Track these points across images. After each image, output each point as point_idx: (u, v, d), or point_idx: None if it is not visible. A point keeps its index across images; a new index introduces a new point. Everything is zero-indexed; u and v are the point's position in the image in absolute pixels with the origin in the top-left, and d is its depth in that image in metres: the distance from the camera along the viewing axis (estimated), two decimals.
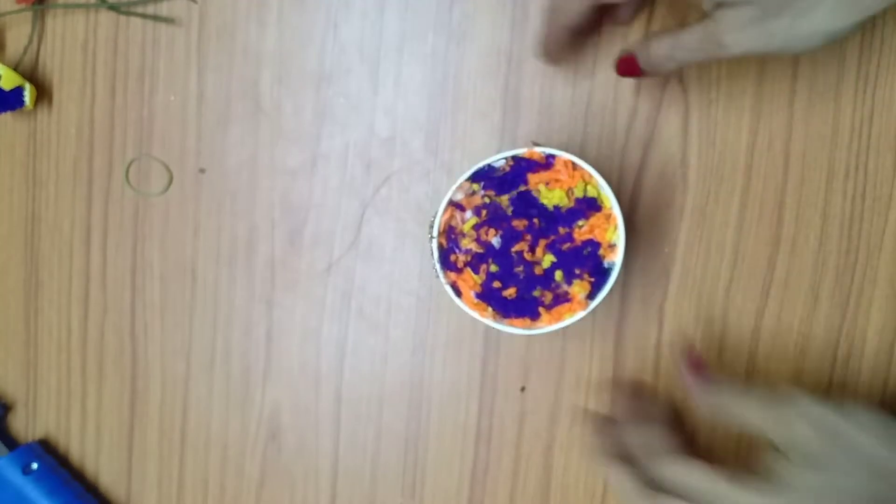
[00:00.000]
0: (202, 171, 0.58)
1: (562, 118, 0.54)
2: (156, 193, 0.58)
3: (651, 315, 0.55)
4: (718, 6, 0.41)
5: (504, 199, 0.46)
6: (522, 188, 0.46)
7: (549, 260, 0.46)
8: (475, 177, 0.46)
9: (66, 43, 0.58)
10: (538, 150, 0.46)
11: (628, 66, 0.47)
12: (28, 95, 0.56)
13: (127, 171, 0.58)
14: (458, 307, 0.47)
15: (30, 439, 0.61)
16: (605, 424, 0.51)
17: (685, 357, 0.50)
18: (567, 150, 0.46)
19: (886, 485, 0.41)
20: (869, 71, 0.52)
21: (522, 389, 0.56)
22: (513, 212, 0.46)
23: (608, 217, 0.46)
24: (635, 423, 0.50)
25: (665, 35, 0.44)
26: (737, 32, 0.41)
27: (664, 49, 0.44)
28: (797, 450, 0.41)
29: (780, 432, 0.42)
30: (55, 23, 0.58)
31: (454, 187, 0.46)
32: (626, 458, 0.47)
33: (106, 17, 0.57)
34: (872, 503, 0.41)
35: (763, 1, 0.39)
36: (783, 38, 0.40)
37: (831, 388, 0.55)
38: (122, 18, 0.57)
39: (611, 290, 0.46)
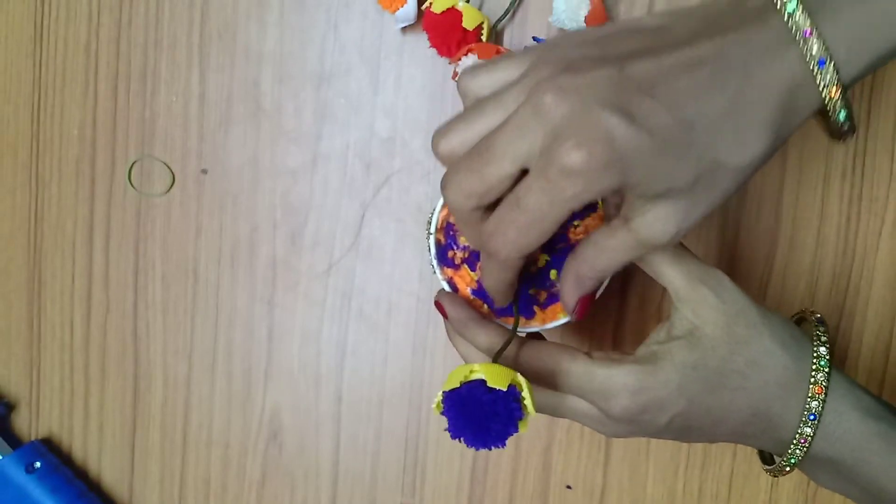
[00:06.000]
0: (204, 171, 0.58)
1: None
2: (158, 194, 0.59)
3: (650, 315, 0.56)
4: (636, 208, 0.35)
5: None
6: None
7: (543, 259, 0.46)
8: None
9: (69, 45, 0.58)
10: None
11: (585, 306, 0.41)
12: None
13: (129, 172, 0.59)
14: None
15: (33, 438, 0.62)
16: (454, 304, 0.44)
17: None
18: None
19: (767, 393, 0.39)
20: None
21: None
22: None
23: (600, 218, 0.46)
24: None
25: (585, 257, 0.39)
26: (670, 227, 0.35)
27: (591, 269, 0.38)
28: (691, 323, 0.39)
29: (690, 300, 0.39)
30: (58, 24, 0.58)
31: None
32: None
33: (108, 18, 0.58)
34: (748, 409, 0.39)
35: (688, 190, 0.34)
36: (723, 198, 0.36)
37: None
38: (125, 19, 0.57)
39: (610, 290, 0.46)
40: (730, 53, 0.33)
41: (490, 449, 0.36)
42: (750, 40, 0.34)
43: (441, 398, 0.36)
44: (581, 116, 0.32)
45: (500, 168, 0.34)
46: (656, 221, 0.35)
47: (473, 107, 0.36)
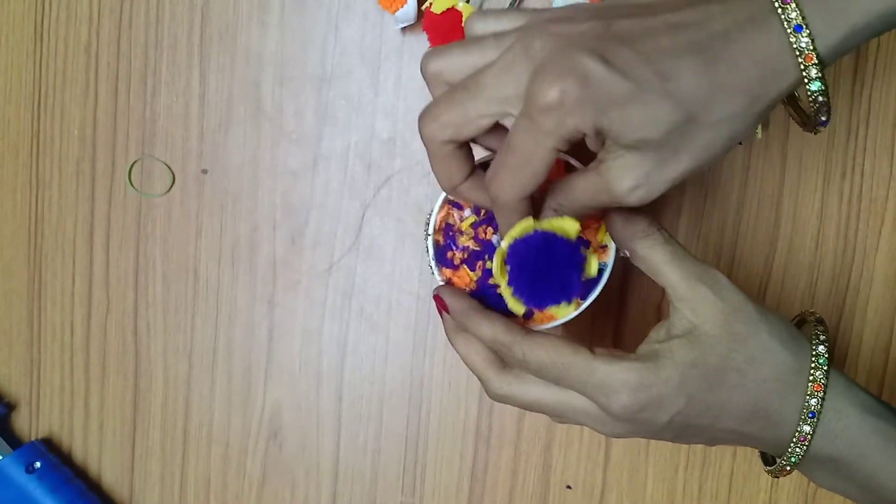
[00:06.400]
0: (204, 171, 0.58)
1: None
2: (158, 194, 0.59)
3: (650, 315, 0.56)
4: (610, 153, 0.36)
5: None
6: None
7: None
8: None
9: (70, 45, 0.58)
10: None
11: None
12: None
13: (130, 172, 0.59)
14: None
15: (33, 438, 0.62)
16: (455, 296, 0.44)
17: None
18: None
19: (766, 390, 0.39)
20: (865, 72, 0.53)
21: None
22: None
23: (599, 219, 0.46)
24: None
25: (553, 190, 0.39)
26: (636, 177, 0.36)
27: (554, 201, 0.39)
28: (690, 322, 0.39)
29: (688, 298, 0.40)
30: (58, 25, 0.58)
31: None
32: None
33: (109, 19, 0.58)
34: (748, 406, 0.40)
35: (660, 145, 0.35)
36: (690, 168, 0.36)
37: None
38: (125, 20, 0.58)
39: (610, 290, 0.46)
40: (712, 21, 0.35)
41: (570, 300, 0.38)
42: (733, 10, 0.35)
43: (504, 253, 0.38)
44: (561, 57, 0.34)
45: (483, 104, 0.36)
46: (624, 167, 0.36)
47: (474, 39, 0.38)
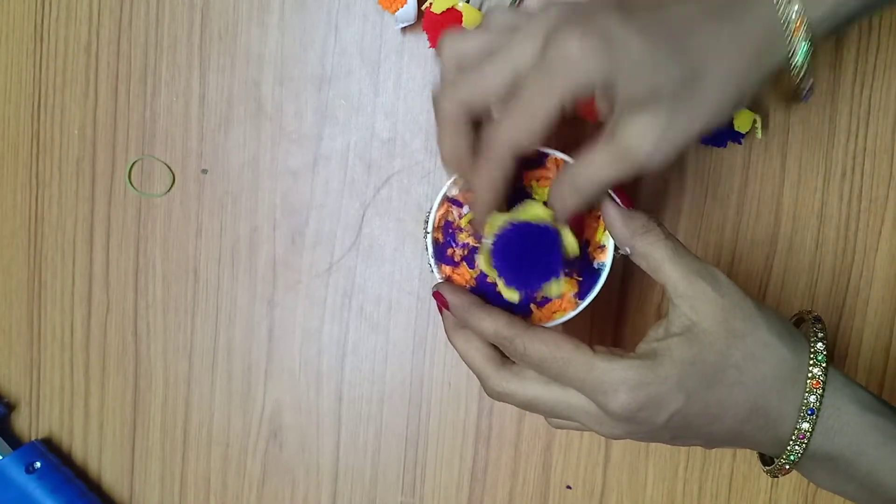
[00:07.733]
0: (204, 171, 0.58)
1: None
2: (158, 194, 0.59)
3: (649, 315, 0.56)
4: (622, 118, 0.38)
5: None
6: (517, 184, 0.46)
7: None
8: None
9: (70, 45, 0.58)
10: None
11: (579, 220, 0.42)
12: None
13: (129, 172, 0.59)
14: None
15: (33, 438, 0.62)
16: (455, 292, 0.44)
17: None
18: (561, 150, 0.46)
19: (765, 387, 0.39)
20: (865, 73, 0.53)
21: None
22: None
23: (598, 217, 0.46)
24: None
25: (568, 170, 0.40)
26: (651, 137, 0.37)
27: (572, 183, 0.40)
28: (689, 319, 0.40)
29: (687, 295, 0.40)
30: (58, 25, 0.58)
31: (448, 182, 0.46)
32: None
33: (109, 19, 0.58)
34: (747, 404, 0.40)
35: (671, 99, 0.37)
36: (702, 125, 0.38)
37: None
38: (125, 20, 0.58)
39: (609, 290, 0.46)
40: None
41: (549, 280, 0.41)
42: None
43: (489, 248, 0.40)
44: (582, 15, 0.36)
45: (499, 65, 0.37)
46: (638, 129, 0.37)
47: (491, 28, 0.39)
